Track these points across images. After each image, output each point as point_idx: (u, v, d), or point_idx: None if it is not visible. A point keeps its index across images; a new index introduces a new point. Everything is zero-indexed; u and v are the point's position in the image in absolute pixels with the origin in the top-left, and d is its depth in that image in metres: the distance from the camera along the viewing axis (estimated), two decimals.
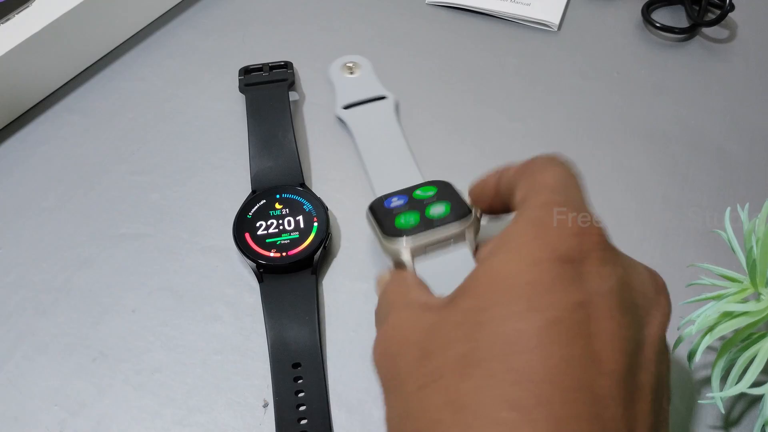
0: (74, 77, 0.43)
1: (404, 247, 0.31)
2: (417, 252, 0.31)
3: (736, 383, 0.27)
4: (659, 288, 0.23)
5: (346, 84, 0.42)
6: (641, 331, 0.21)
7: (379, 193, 0.36)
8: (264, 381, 0.31)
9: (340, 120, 0.41)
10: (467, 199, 0.33)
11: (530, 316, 0.20)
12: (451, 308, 0.22)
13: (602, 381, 0.19)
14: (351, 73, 0.42)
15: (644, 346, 0.21)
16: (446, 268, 0.30)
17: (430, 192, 0.33)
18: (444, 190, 0.33)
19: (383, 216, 0.33)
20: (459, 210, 0.31)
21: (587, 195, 0.25)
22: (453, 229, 0.31)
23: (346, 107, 0.41)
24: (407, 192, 0.34)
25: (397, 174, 0.37)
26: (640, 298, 0.22)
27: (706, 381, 0.31)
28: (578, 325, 0.20)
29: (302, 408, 0.30)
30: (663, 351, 0.22)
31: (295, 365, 0.31)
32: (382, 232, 0.32)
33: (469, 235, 0.31)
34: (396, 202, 0.34)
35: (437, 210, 0.32)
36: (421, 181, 0.36)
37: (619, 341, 0.20)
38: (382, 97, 0.41)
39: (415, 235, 0.30)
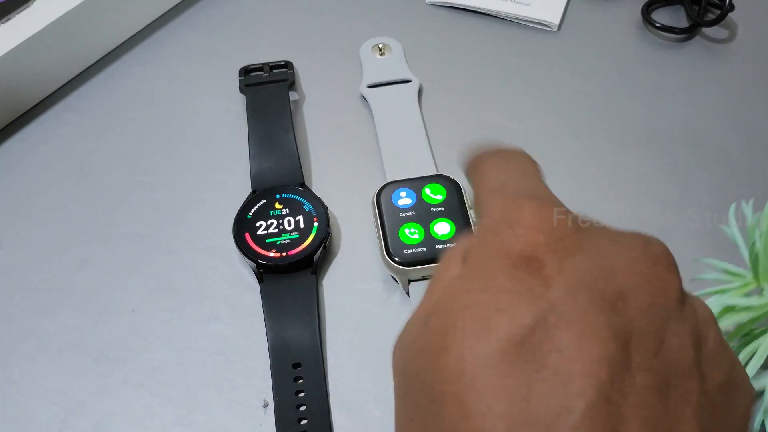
0: (74, 77, 0.43)
1: (403, 276, 0.33)
2: (415, 278, 0.33)
3: None
4: (655, 259, 0.18)
5: (374, 64, 0.43)
6: (631, 323, 0.17)
7: (390, 177, 0.36)
8: (264, 381, 0.31)
9: (363, 98, 0.41)
10: (471, 214, 0.34)
11: (481, 344, 0.17)
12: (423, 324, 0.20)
13: (577, 404, 0.16)
14: (381, 54, 0.43)
15: (640, 339, 0.17)
16: None
17: (439, 197, 0.34)
18: (451, 198, 0.34)
19: (388, 216, 0.34)
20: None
21: (542, 179, 0.22)
22: None
23: (371, 86, 0.41)
24: (416, 187, 0.35)
25: (410, 159, 0.38)
26: (630, 279, 0.18)
27: None
28: (536, 347, 0.16)
29: (302, 408, 0.30)
30: (671, 335, 0.17)
31: (295, 365, 0.31)
32: (386, 246, 0.33)
33: None
34: (403, 199, 0.34)
35: (442, 229, 0.33)
36: (433, 170, 0.37)
37: (591, 350, 0.16)
38: (407, 81, 0.42)
39: (416, 268, 0.32)
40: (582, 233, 0.19)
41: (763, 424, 0.27)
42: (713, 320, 0.19)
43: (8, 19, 0.39)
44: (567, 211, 0.19)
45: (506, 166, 0.22)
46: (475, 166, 0.23)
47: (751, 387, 0.20)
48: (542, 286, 0.17)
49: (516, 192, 0.20)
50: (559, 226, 0.18)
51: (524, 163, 0.22)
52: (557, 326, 0.16)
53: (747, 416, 0.19)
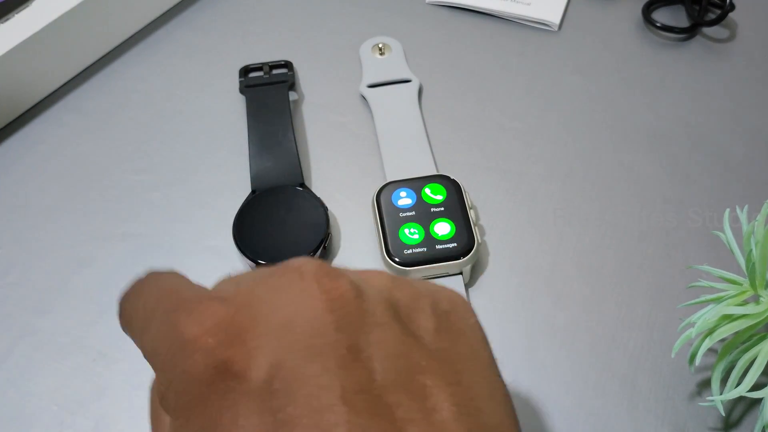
0: (74, 77, 0.43)
1: (403, 276, 0.33)
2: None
3: (736, 386, 0.27)
4: (311, 276, 0.17)
5: (374, 64, 0.43)
6: (334, 352, 0.16)
7: (390, 177, 0.36)
8: None
9: (363, 98, 0.41)
10: (471, 214, 0.34)
11: None
12: None
13: None
14: (381, 54, 0.43)
15: (359, 369, 0.16)
16: None
17: (439, 197, 0.34)
18: (451, 198, 0.34)
19: (388, 216, 0.34)
20: (463, 237, 0.33)
21: (183, 278, 0.20)
22: (453, 269, 0.33)
23: (371, 86, 0.41)
24: (416, 187, 0.35)
25: (410, 159, 0.38)
26: (291, 313, 0.17)
27: (707, 383, 0.31)
28: None
29: None
30: (375, 342, 0.17)
31: None
32: (385, 246, 0.33)
33: (466, 269, 0.33)
34: (404, 199, 0.34)
35: (442, 229, 0.33)
36: (433, 170, 0.37)
37: (332, 414, 0.15)
38: (407, 81, 0.42)
39: (416, 268, 0.32)
40: (239, 299, 0.17)
41: (763, 430, 0.27)
42: (390, 281, 0.19)
43: (7, 19, 0.39)
44: (211, 295, 0.18)
45: (138, 293, 0.20)
46: (119, 313, 0.20)
47: (461, 300, 0.19)
48: (246, 383, 0.16)
49: (153, 312, 0.18)
50: (213, 313, 0.17)
51: (153, 277, 0.20)
52: (294, 417, 0.15)
53: (476, 327, 0.19)
